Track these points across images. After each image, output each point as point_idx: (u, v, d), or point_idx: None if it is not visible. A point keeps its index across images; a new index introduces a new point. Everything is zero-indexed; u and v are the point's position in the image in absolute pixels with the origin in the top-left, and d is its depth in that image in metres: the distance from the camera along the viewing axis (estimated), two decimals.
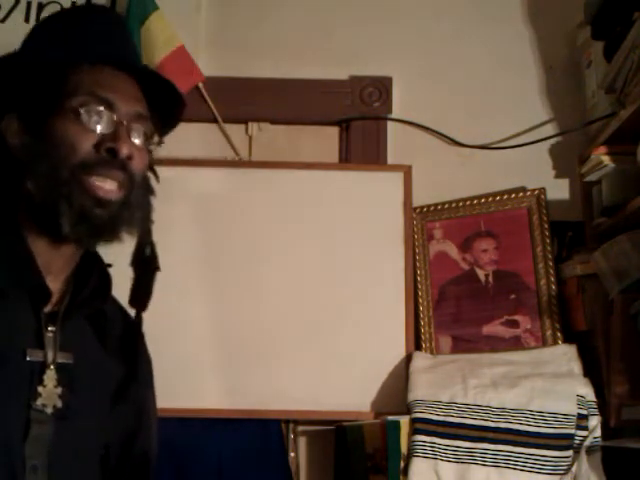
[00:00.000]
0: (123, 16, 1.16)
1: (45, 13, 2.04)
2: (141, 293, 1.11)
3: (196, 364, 1.74)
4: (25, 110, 0.99)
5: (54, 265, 1.02)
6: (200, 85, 1.96)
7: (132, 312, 1.14)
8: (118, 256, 1.08)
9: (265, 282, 1.82)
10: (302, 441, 1.82)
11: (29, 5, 2.05)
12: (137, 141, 1.02)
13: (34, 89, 0.99)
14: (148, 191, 1.09)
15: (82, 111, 0.97)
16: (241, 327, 1.79)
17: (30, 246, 0.99)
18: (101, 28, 1.05)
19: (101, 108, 0.98)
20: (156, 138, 1.07)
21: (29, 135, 0.98)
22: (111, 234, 1.00)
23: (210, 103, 1.96)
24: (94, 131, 0.98)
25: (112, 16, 1.12)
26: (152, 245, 1.11)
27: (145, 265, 1.10)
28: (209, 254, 1.82)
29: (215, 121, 1.97)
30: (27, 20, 2.04)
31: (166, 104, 1.09)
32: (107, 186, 0.98)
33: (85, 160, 0.96)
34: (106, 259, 1.11)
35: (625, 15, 1.59)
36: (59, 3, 2.06)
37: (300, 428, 1.81)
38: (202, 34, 2.04)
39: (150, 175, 1.10)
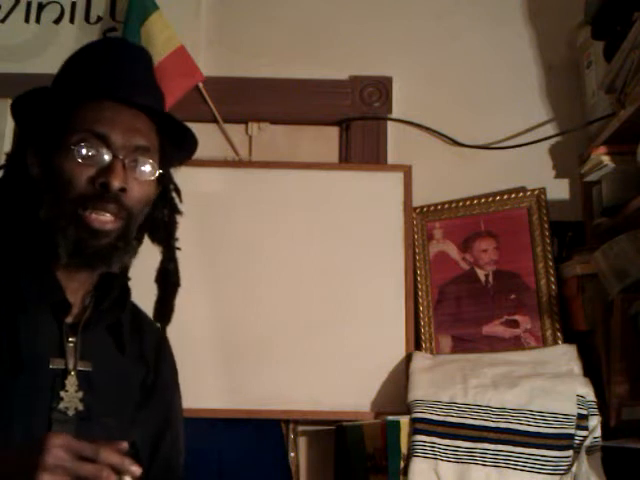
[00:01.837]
0: (146, 51, 1.19)
1: (45, 13, 2.05)
2: (164, 308, 1.16)
3: (196, 364, 1.73)
4: (38, 145, 1.06)
5: (73, 282, 1.09)
6: (200, 85, 1.96)
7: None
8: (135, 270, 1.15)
9: (265, 282, 1.81)
10: (302, 441, 1.82)
11: (29, 5, 2.05)
12: (136, 173, 1.06)
13: (44, 125, 1.06)
14: (173, 210, 1.16)
15: (79, 147, 1.02)
16: (241, 327, 1.79)
17: (53, 266, 1.06)
18: (114, 63, 1.09)
19: (96, 143, 1.03)
20: (160, 168, 1.10)
21: (42, 169, 1.05)
22: (105, 263, 1.06)
23: (210, 103, 1.96)
24: (90, 166, 1.03)
25: (132, 51, 1.14)
26: (175, 262, 1.17)
27: (167, 281, 1.16)
28: (209, 254, 1.82)
29: (215, 121, 1.97)
30: (27, 20, 2.05)
31: (180, 134, 1.13)
32: (102, 218, 1.03)
33: (81, 195, 1.02)
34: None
35: (625, 15, 1.59)
36: (59, 3, 2.06)
37: (300, 428, 1.81)
38: (202, 34, 2.04)
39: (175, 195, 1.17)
